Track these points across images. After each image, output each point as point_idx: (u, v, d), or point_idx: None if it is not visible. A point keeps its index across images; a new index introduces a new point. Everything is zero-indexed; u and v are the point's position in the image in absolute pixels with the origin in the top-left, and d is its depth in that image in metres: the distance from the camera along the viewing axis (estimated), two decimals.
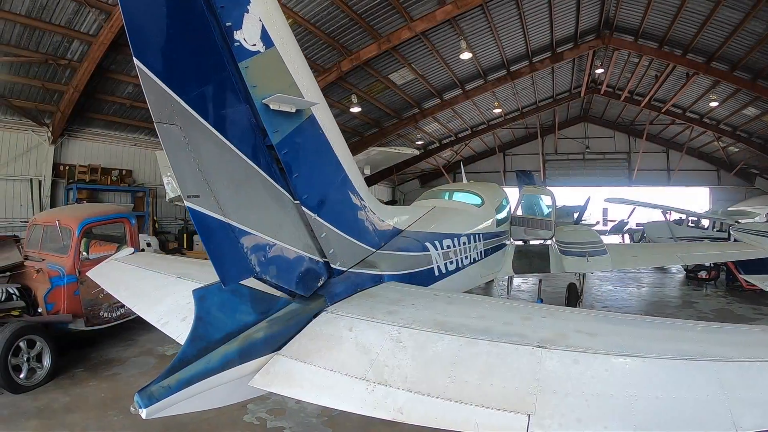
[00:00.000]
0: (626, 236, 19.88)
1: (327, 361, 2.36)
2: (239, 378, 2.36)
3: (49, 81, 11.11)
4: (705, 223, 16.16)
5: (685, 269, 14.27)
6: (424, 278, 4.21)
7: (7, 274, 6.45)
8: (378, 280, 3.38)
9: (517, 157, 29.62)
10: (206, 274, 4.01)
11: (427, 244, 4.37)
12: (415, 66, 16.25)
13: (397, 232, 4.11)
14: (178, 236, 15.75)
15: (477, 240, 5.82)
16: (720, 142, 23.22)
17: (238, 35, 2.26)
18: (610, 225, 20.72)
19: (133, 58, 1.84)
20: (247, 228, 2.33)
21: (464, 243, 5.32)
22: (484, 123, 25.30)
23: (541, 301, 8.74)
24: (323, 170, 2.94)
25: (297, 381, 2.32)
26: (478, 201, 6.66)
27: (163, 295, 3.85)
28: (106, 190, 14.05)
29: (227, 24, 2.21)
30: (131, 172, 14.92)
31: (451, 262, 4.84)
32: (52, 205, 12.43)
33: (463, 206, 6.40)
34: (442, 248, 4.65)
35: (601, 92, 23.00)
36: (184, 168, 2.06)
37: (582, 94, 23.21)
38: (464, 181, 8.97)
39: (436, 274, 4.46)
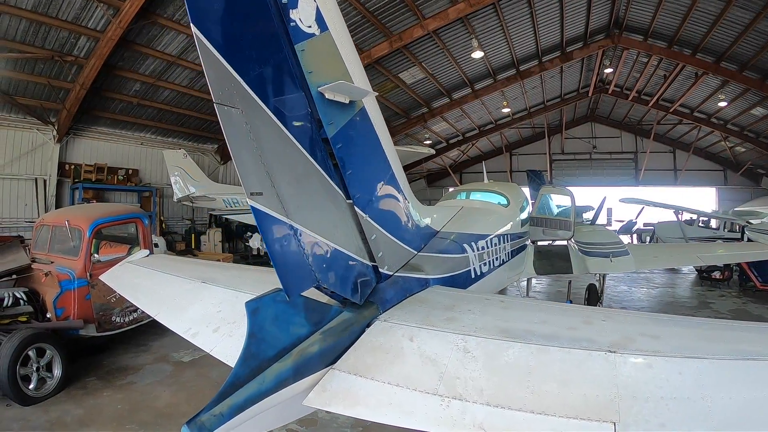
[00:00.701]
0: (634, 236, 19.70)
1: (391, 375, 2.16)
2: (292, 397, 2.15)
3: (55, 78, 10.88)
4: (713, 223, 16.06)
5: (697, 270, 14.10)
6: (463, 281, 4.05)
7: (14, 277, 6.16)
8: (425, 284, 3.19)
9: (524, 156, 29.37)
10: (232, 278, 3.79)
11: (465, 245, 4.20)
12: (425, 65, 16.09)
13: (434, 233, 3.92)
14: (185, 237, 15.55)
15: (506, 241, 5.66)
16: (727, 142, 23.10)
17: (294, 14, 2.08)
18: (617, 225, 20.50)
19: (191, 25, 1.64)
20: (309, 230, 2.12)
21: (495, 244, 5.17)
22: (492, 122, 25.15)
23: (570, 302, 8.54)
24: (374, 167, 2.75)
25: (360, 398, 2.11)
26: (505, 201, 6.47)
27: (187, 302, 3.61)
28: (112, 190, 13.84)
29: (283, 1, 2.01)
30: (138, 172, 14.72)
31: (485, 264, 4.69)
32: (58, 205, 12.21)
33: (492, 206, 6.21)
34: (478, 249, 4.49)
35: (609, 92, 22.85)
36: (246, 159, 1.85)
37: (590, 94, 23.05)
38: (485, 180, 8.77)
39: (473, 276, 4.30)
